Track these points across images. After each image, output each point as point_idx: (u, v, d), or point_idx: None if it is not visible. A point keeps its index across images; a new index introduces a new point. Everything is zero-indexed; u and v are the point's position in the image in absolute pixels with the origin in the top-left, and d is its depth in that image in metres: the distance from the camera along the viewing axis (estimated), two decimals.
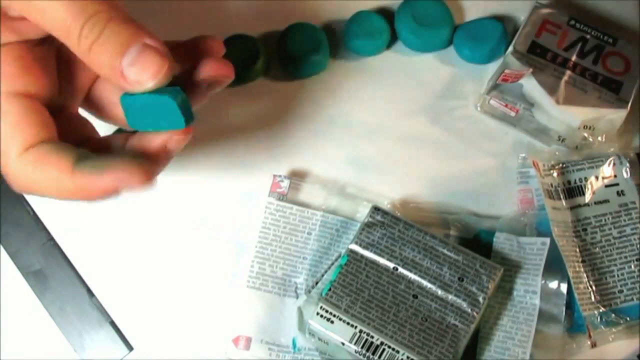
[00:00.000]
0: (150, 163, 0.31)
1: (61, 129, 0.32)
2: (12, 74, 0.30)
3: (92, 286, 0.44)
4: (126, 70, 0.28)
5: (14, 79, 0.30)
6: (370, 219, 0.41)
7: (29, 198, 0.45)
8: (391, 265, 0.40)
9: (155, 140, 0.32)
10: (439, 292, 0.40)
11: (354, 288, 0.40)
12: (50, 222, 0.45)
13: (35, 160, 0.30)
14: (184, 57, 0.33)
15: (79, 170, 0.29)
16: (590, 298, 0.42)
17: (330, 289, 0.40)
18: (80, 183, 0.29)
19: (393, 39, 0.49)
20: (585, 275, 0.42)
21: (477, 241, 0.44)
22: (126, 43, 0.28)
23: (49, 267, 0.44)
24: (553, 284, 0.41)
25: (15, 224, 0.45)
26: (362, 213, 0.44)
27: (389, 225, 0.41)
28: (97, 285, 0.44)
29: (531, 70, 0.45)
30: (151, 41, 0.29)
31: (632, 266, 0.42)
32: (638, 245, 0.43)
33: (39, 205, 0.45)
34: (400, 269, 0.40)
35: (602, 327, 0.41)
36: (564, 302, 0.41)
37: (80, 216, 0.45)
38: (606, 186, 0.44)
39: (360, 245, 0.41)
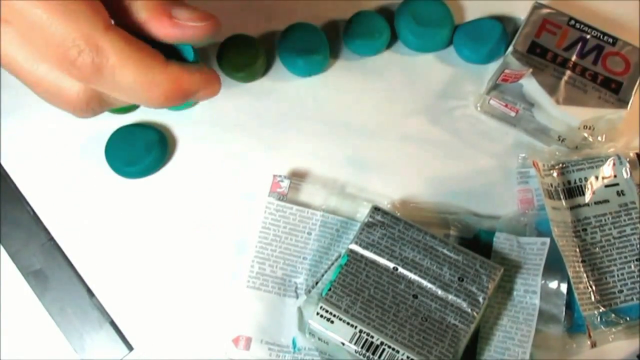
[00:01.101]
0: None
1: None
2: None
3: (92, 286, 0.44)
4: (177, 12, 0.29)
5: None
6: (370, 219, 0.41)
7: (29, 198, 0.46)
8: (391, 265, 0.40)
9: None
10: (439, 292, 0.40)
11: (354, 288, 0.40)
12: (50, 222, 0.45)
13: (126, 36, 0.29)
14: None
15: (172, 63, 0.30)
16: (590, 298, 0.42)
17: (330, 289, 0.40)
18: (172, 76, 0.30)
19: (393, 39, 0.49)
20: (585, 275, 0.42)
21: (477, 241, 0.44)
22: None
23: (49, 267, 0.44)
24: (553, 284, 0.41)
25: (15, 224, 0.45)
26: (362, 213, 0.44)
27: (389, 225, 0.41)
28: (97, 285, 0.44)
29: (531, 70, 0.45)
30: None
31: (632, 266, 0.42)
32: (638, 245, 0.43)
33: (39, 205, 0.45)
34: (400, 269, 0.40)
35: (602, 327, 0.41)
36: (564, 302, 0.41)
37: (80, 216, 0.45)
38: (606, 186, 0.44)
39: (360, 245, 0.41)
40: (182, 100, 0.31)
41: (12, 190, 0.45)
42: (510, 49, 0.46)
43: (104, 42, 0.29)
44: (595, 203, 0.44)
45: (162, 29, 0.30)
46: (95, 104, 0.31)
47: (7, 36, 0.29)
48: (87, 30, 0.28)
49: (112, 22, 0.29)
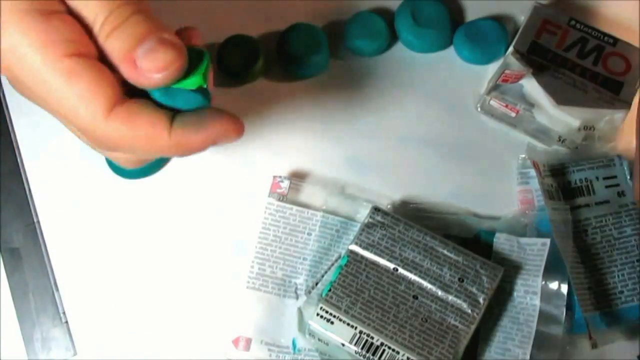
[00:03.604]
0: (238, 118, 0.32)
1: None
2: (68, 37, 0.29)
3: (65, 282, 0.44)
4: (139, 60, 0.29)
5: (70, 41, 0.29)
6: (370, 220, 0.41)
7: (28, 174, 0.46)
8: (391, 266, 0.40)
9: None
10: (439, 292, 0.40)
11: (354, 289, 0.40)
12: (42, 204, 0.45)
13: (128, 119, 0.30)
14: None
15: (176, 129, 0.30)
16: (591, 299, 0.42)
17: (330, 290, 0.40)
18: (178, 141, 0.30)
19: (393, 39, 0.48)
20: (585, 276, 0.42)
21: (477, 242, 0.44)
22: (144, 34, 0.29)
23: (26, 250, 0.44)
24: (553, 285, 0.41)
25: (8, 196, 0.45)
26: (362, 213, 0.44)
27: (389, 225, 0.41)
28: (66, 280, 0.44)
29: (531, 70, 0.45)
30: (169, 37, 0.29)
31: (633, 267, 0.42)
32: (638, 246, 0.43)
33: (36, 191, 0.45)
34: (401, 270, 0.40)
35: (602, 328, 0.41)
36: (565, 303, 0.41)
37: (76, 213, 0.45)
38: (606, 187, 0.44)
39: (360, 246, 0.41)
40: (198, 151, 0.31)
41: (10, 161, 0.45)
42: (511, 49, 0.46)
43: (104, 133, 0.29)
44: (596, 204, 0.44)
45: (129, 77, 0.30)
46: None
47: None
48: (86, 122, 0.29)
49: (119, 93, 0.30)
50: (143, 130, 0.30)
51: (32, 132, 0.47)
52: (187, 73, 0.30)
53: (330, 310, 0.39)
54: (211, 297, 0.43)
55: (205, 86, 0.31)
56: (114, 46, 0.29)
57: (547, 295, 0.41)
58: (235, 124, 0.31)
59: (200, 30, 0.50)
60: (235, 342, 0.42)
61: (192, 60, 0.30)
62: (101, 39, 0.29)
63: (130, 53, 0.29)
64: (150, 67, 0.29)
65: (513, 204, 0.45)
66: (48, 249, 0.44)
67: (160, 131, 0.30)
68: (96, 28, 0.29)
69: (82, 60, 0.29)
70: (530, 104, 0.46)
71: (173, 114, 0.30)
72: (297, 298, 0.43)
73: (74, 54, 0.29)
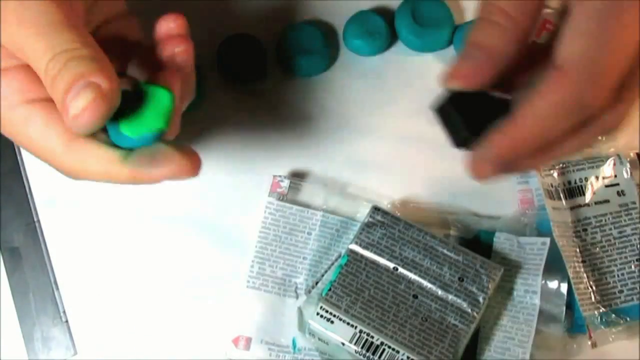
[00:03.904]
0: (196, 154, 0.32)
1: None
2: (19, 88, 0.32)
3: (65, 282, 0.44)
4: (67, 106, 0.29)
5: (22, 92, 0.32)
6: (370, 219, 0.41)
7: (28, 174, 0.46)
8: (391, 265, 0.40)
9: None
10: (439, 292, 0.40)
11: (354, 288, 0.40)
12: (42, 204, 0.45)
13: (83, 155, 0.31)
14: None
15: (131, 166, 0.31)
16: (591, 298, 0.42)
17: (330, 289, 0.40)
18: (134, 176, 0.31)
19: (393, 39, 0.48)
20: (585, 275, 0.42)
21: (477, 241, 0.44)
22: (72, 81, 0.29)
23: (26, 249, 0.44)
24: (553, 284, 0.41)
25: (8, 195, 0.45)
26: (362, 213, 0.44)
27: (389, 225, 0.41)
28: (66, 280, 0.44)
29: None
30: (99, 78, 0.29)
31: (632, 266, 0.42)
32: (638, 246, 0.43)
33: (36, 189, 0.45)
34: (401, 269, 0.40)
35: (602, 327, 0.41)
36: (564, 302, 0.41)
37: (74, 212, 0.45)
38: (606, 186, 0.44)
39: (360, 245, 0.41)
40: (157, 183, 0.32)
41: (10, 160, 0.45)
42: None
43: (65, 167, 0.32)
44: (596, 203, 0.44)
45: (65, 123, 0.30)
46: None
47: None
48: (48, 158, 0.32)
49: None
50: (98, 166, 0.31)
51: None
52: (141, 114, 0.31)
53: (330, 310, 0.39)
54: (211, 296, 0.43)
55: (161, 128, 0.31)
56: (55, 96, 0.30)
57: (547, 295, 0.41)
58: (190, 163, 0.31)
59: (200, 30, 0.50)
60: (236, 341, 0.42)
61: (155, 100, 0.31)
62: (47, 88, 0.30)
63: (64, 103, 0.29)
64: (74, 112, 0.29)
65: (513, 204, 0.45)
66: (48, 248, 0.44)
67: (115, 167, 0.31)
68: (41, 77, 0.30)
69: (33, 105, 0.31)
70: None
71: (129, 150, 0.31)
72: (297, 297, 0.43)
73: (26, 102, 0.31)
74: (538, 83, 0.31)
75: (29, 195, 0.45)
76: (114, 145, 0.31)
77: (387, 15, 0.49)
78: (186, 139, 0.47)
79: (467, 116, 0.34)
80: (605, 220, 0.43)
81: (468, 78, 0.33)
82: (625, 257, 0.43)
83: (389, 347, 0.38)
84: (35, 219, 0.45)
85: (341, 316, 0.39)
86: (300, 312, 0.41)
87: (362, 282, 0.40)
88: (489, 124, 0.33)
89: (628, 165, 0.44)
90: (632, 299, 0.42)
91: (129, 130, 0.30)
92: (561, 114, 0.31)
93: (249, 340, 0.42)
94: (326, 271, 0.43)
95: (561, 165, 0.45)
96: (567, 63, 0.30)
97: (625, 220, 0.43)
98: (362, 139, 0.47)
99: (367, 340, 0.38)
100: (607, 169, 0.44)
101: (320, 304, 0.39)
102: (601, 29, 0.30)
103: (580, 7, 0.30)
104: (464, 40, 0.33)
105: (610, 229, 0.43)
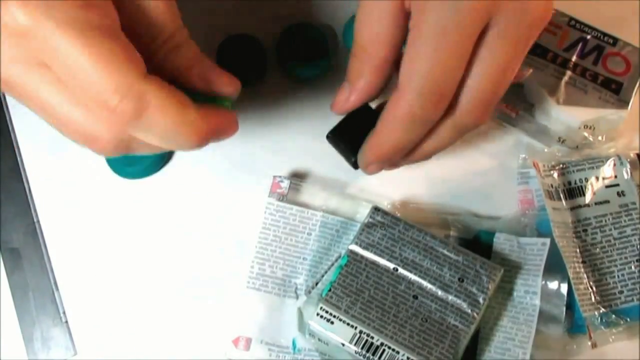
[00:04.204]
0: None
1: None
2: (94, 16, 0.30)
3: (65, 282, 0.44)
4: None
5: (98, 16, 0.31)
6: (370, 220, 0.41)
7: (28, 174, 0.46)
8: (391, 265, 0.40)
9: None
10: (439, 292, 0.40)
11: (354, 289, 0.40)
12: (42, 204, 0.45)
13: (162, 84, 0.31)
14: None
15: (202, 106, 0.32)
16: (591, 299, 0.42)
17: (330, 290, 0.40)
18: (204, 117, 0.32)
19: None
20: (585, 276, 0.42)
21: (477, 242, 0.44)
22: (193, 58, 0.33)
23: (26, 250, 0.44)
24: (553, 285, 0.41)
25: (9, 195, 0.45)
26: (362, 213, 0.44)
27: (389, 225, 0.41)
28: (66, 280, 0.44)
29: (531, 70, 0.45)
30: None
31: (633, 267, 0.42)
32: (638, 246, 0.43)
33: (36, 190, 0.45)
34: (401, 270, 0.40)
35: (602, 328, 0.41)
36: (564, 302, 0.41)
37: (75, 212, 0.45)
38: (606, 187, 0.44)
39: (360, 246, 0.41)
40: (210, 140, 0.33)
41: (10, 160, 0.45)
42: None
43: (146, 89, 0.30)
44: (596, 204, 0.44)
45: (201, 83, 0.34)
46: (122, 149, 0.33)
47: (44, 80, 0.30)
48: (129, 79, 0.29)
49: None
50: (175, 97, 0.31)
51: (32, 132, 0.47)
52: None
53: (330, 310, 0.39)
54: (211, 297, 0.43)
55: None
56: (178, 60, 0.33)
57: (547, 295, 0.41)
58: (236, 121, 0.36)
59: (200, 30, 0.50)
60: (235, 342, 0.42)
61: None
62: (163, 51, 0.33)
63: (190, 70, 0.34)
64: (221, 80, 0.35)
65: (513, 204, 0.45)
66: (48, 249, 0.44)
67: (189, 102, 0.32)
68: (159, 40, 0.33)
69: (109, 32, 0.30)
70: (530, 104, 0.46)
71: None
72: (297, 298, 0.43)
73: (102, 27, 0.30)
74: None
75: (29, 195, 0.45)
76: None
77: None
78: None
79: (352, 141, 0.40)
80: (606, 221, 0.43)
81: (340, 108, 0.40)
82: (626, 258, 0.43)
83: (389, 347, 0.38)
84: (35, 219, 0.45)
85: (341, 317, 0.39)
86: (300, 312, 0.41)
87: (362, 282, 0.40)
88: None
89: (628, 165, 0.44)
90: (632, 300, 0.42)
91: None
92: (403, 126, 0.36)
93: (249, 341, 0.42)
94: (326, 272, 0.43)
95: (561, 165, 0.45)
96: (401, 83, 0.35)
97: (625, 221, 0.43)
98: None
99: (367, 340, 0.38)
100: (607, 170, 0.44)
101: (320, 305, 0.39)
102: (420, 53, 0.34)
103: (411, 32, 0.35)
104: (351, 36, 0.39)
105: (611, 230, 0.43)
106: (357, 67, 0.39)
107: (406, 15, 0.36)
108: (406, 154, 0.39)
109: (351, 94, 0.40)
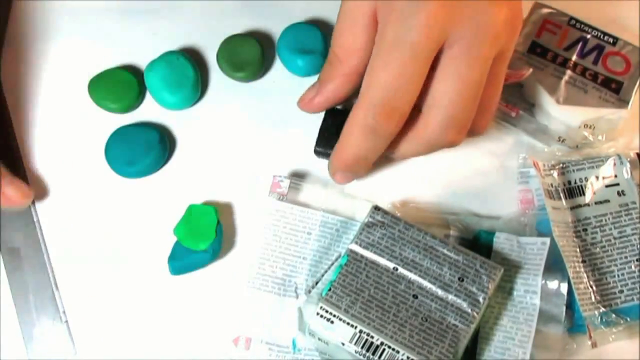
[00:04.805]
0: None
1: None
2: None
3: (65, 282, 0.44)
4: None
5: None
6: (370, 219, 0.41)
7: (28, 173, 0.46)
8: (391, 265, 0.40)
9: None
10: (439, 292, 0.40)
11: (354, 288, 0.40)
12: (42, 204, 0.45)
13: None
14: None
15: None
16: (591, 298, 0.42)
17: (330, 289, 0.40)
18: None
19: None
20: (585, 275, 0.42)
21: (477, 241, 0.44)
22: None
23: (26, 249, 0.44)
24: (553, 284, 0.41)
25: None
26: (362, 213, 0.44)
27: (389, 225, 0.41)
28: (66, 280, 0.44)
29: (531, 70, 0.45)
30: None
31: (633, 266, 0.42)
32: (638, 246, 0.43)
33: (37, 190, 0.45)
34: (401, 269, 0.40)
35: (602, 327, 0.41)
36: (564, 302, 0.41)
37: (75, 212, 0.45)
38: (607, 186, 0.44)
39: (360, 245, 0.41)
40: None
41: (10, 160, 0.45)
42: None
43: None
44: (596, 203, 0.44)
45: None
46: None
47: None
48: None
49: None
50: None
51: (32, 132, 0.47)
52: None
53: (330, 310, 0.39)
54: (211, 296, 0.43)
55: None
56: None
57: (547, 295, 0.41)
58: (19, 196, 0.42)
59: (200, 30, 0.50)
60: (236, 341, 0.42)
61: None
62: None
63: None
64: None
65: (513, 204, 0.45)
66: (48, 248, 0.44)
67: None
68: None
69: None
70: (530, 104, 0.46)
71: None
72: (297, 297, 0.43)
73: None
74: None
75: None
76: None
77: None
78: (186, 136, 0.47)
79: (323, 132, 0.44)
80: (606, 220, 0.43)
81: (304, 105, 0.44)
82: (626, 257, 0.43)
83: (389, 347, 0.38)
84: (35, 219, 0.45)
85: (341, 316, 0.39)
86: (300, 312, 0.41)
87: (362, 282, 0.40)
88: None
89: (628, 165, 0.44)
90: (632, 299, 0.42)
91: None
92: (360, 136, 0.38)
93: (249, 340, 0.42)
94: (326, 271, 0.43)
95: (561, 165, 0.45)
96: (360, 94, 0.38)
97: (625, 220, 0.43)
98: None
99: (367, 340, 0.38)
100: (607, 169, 0.44)
101: (320, 304, 0.39)
102: (375, 67, 0.37)
103: (375, 45, 0.38)
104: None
105: (611, 229, 0.43)
106: (328, 71, 0.41)
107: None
108: (372, 164, 0.41)
109: (317, 95, 0.42)
